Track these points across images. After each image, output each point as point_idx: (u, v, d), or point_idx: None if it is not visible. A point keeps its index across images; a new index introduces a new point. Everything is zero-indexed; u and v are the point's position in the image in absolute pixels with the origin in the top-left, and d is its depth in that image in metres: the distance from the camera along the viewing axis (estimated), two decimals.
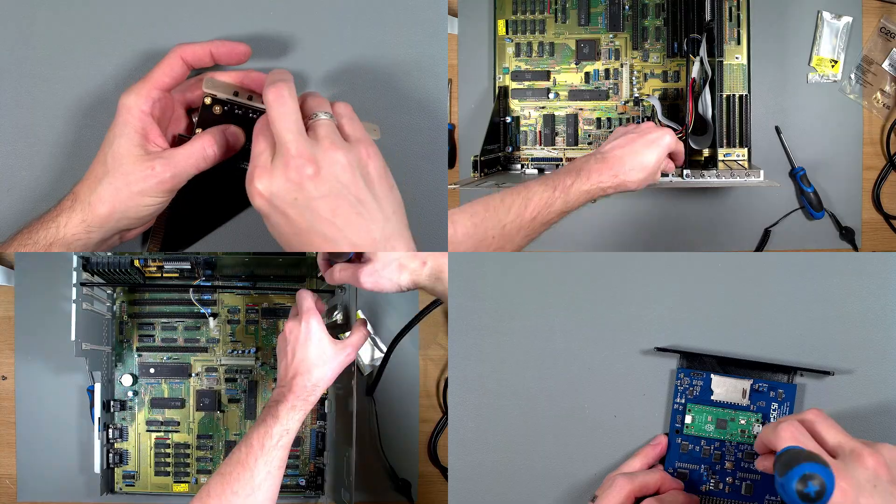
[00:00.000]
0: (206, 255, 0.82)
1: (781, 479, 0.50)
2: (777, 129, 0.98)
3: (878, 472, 0.52)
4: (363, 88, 0.75)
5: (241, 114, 0.68)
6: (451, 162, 1.02)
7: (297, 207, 0.58)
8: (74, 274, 0.81)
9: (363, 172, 0.60)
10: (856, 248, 1.01)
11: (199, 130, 0.67)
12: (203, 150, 0.65)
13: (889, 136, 1.00)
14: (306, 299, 0.77)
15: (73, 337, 0.79)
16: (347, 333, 0.78)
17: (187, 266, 0.89)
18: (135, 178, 0.63)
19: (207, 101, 0.67)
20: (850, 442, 0.55)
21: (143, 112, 0.65)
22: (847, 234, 1.01)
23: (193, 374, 0.95)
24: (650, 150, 0.79)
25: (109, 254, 0.82)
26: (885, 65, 0.99)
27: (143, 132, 0.65)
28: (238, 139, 0.67)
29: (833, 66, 0.99)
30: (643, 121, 0.86)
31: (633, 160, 0.78)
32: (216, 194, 0.71)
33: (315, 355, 0.75)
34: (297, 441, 0.95)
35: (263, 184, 0.59)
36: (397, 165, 0.75)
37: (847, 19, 0.99)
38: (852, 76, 1.00)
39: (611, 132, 0.92)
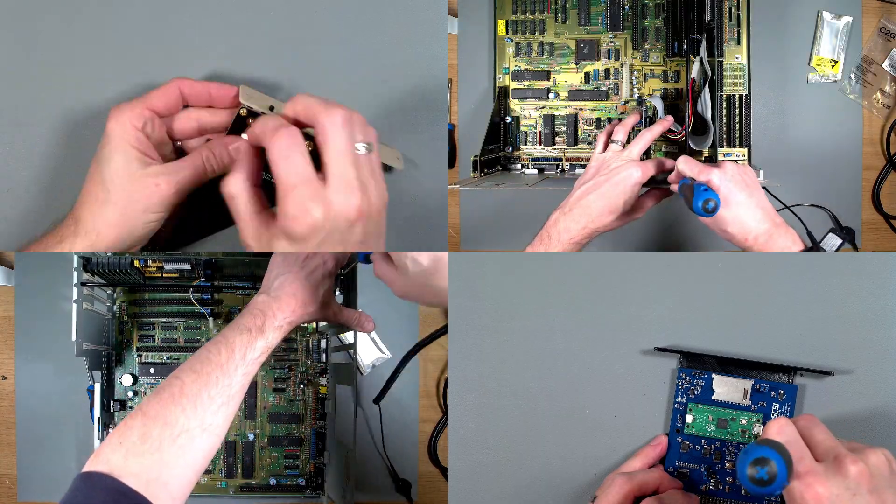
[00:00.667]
0: (206, 255, 0.82)
1: (738, 463, 0.51)
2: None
3: (859, 480, 0.52)
4: (363, 89, 0.75)
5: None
6: (451, 162, 1.02)
7: (338, 239, 0.58)
8: (75, 274, 0.81)
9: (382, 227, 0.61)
10: (856, 248, 1.01)
11: None
12: (203, 163, 0.64)
13: (889, 136, 1.00)
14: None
15: (73, 337, 0.79)
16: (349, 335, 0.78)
17: (187, 266, 0.89)
18: (139, 195, 0.62)
19: (243, 112, 0.66)
20: (836, 448, 0.54)
21: (135, 128, 0.64)
22: (847, 234, 1.01)
23: None
24: (617, 193, 0.79)
25: (109, 254, 0.82)
26: (885, 65, 0.99)
27: (138, 147, 0.63)
28: (240, 153, 0.67)
29: (833, 66, 0.99)
30: (604, 149, 0.84)
31: (599, 205, 0.79)
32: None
33: (314, 292, 0.73)
34: (297, 441, 0.95)
35: (320, 212, 0.56)
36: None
37: (847, 19, 0.99)
38: (852, 76, 1.00)
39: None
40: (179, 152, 0.69)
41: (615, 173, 0.80)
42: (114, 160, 0.63)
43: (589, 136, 1.02)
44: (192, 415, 0.62)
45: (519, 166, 1.03)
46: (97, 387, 0.88)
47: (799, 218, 0.92)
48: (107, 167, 0.63)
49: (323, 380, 0.95)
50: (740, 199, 0.75)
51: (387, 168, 0.73)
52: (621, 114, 1.02)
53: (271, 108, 0.67)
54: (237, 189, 0.60)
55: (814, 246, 0.75)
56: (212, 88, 0.67)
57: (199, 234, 0.74)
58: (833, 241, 0.75)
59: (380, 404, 0.95)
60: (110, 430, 0.91)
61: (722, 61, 0.96)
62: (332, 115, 0.58)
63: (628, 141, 0.85)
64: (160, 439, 0.60)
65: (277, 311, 0.71)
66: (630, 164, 0.80)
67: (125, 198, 0.62)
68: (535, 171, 1.02)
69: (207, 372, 0.65)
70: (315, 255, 0.74)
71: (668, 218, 1.03)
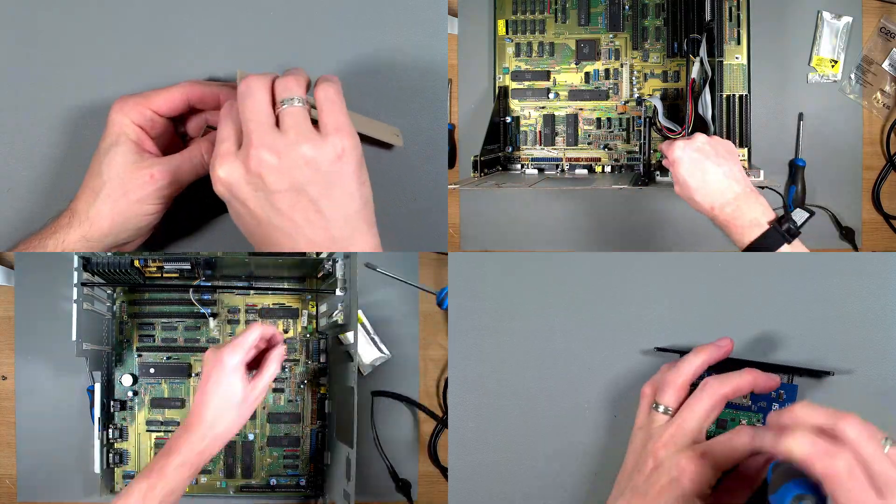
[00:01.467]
0: (207, 255, 0.82)
1: (773, 495, 0.50)
2: (800, 115, 0.97)
3: None
4: (363, 89, 0.75)
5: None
6: (451, 162, 1.02)
7: (257, 199, 0.57)
8: (75, 274, 0.81)
9: (330, 166, 0.58)
10: (856, 248, 1.01)
11: None
12: (201, 156, 0.65)
13: (889, 136, 1.00)
14: (248, 334, 0.73)
15: (73, 337, 0.79)
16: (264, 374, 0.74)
17: (187, 266, 0.88)
18: (133, 186, 0.62)
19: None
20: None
21: (134, 123, 0.64)
22: (847, 234, 1.01)
23: (193, 374, 0.95)
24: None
25: (109, 254, 0.82)
26: (885, 65, 1.00)
27: (137, 141, 0.64)
28: None
29: (833, 66, 0.99)
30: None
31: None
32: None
33: (220, 400, 0.70)
34: (297, 441, 0.95)
35: (225, 170, 0.57)
36: (397, 165, 0.75)
37: (847, 19, 0.99)
38: (852, 76, 1.00)
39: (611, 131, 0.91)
40: None
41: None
42: (111, 152, 0.63)
43: (589, 136, 1.02)
44: None
45: (519, 166, 1.03)
46: (97, 387, 0.88)
47: (779, 194, 0.92)
48: (104, 159, 0.63)
49: (323, 380, 0.95)
50: (707, 167, 0.75)
51: (386, 146, 0.73)
52: (621, 114, 1.02)
53: None
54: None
55: (785, 215, 0.75)
56: (220, 93, 0.67)
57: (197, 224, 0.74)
58: (801, 213, 0.75)
59: (376, 403, 0.95)
60: (110, 429, 0.91)
61: (722, 61, 0.96)
62: (241, 85, 0.58)
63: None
64: None
65: (182, 444, 0.70)
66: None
67: (119, 188, 0.63)
68: (535, 171, 1.02)
69: None
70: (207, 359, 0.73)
71: (668, 218, 1.03)
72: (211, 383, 0.70)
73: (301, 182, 0.57)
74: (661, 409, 0.60)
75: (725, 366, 0.63)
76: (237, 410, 0.71)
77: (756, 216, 0.74)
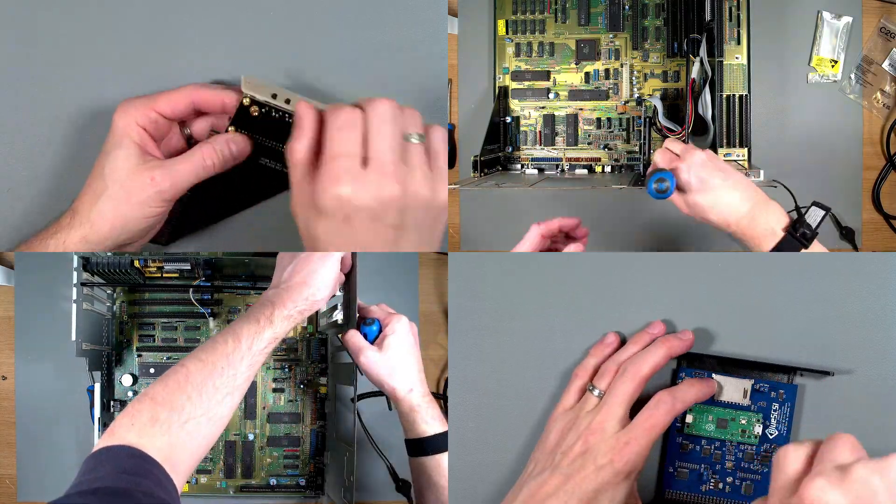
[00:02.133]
0: (206, 255, 0.82)
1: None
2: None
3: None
4: (363, 88, 0.75)
5: (279, 117, 0.67)
6: (451, 162, 1.02)
7: (368, 225, 0.58)
8: (75, 274, 0.81)
9: (436, 215, 0.61)
10: (856, 248, 1.01)
11: (231, 129, 0.67)
12: (202, 160, 0.65)
13: (889, 136, 1.00)
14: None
15: (73, 337, 0.79)
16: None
17: (187, 266, 0.89)
18: (134, 188, 0.63)
19: (246, 101, 0.66)
20: None
21: (138, 125, 0.64)
22: (847, 234, 1.01)
23: None
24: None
25: (109, 254, 0.82)
26: (885, 65, 1.00)
27: (140, 143, 0.64)
28: (243, 151, 0.67)
29: (833, 66, 0.99)
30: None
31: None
32: (230, 187, 0.71)
33: (326, 275, 0.72)
34: (297, 441, 0.95)
35: (350, 189, 0.57)
36: None
37: (847, 19, 0.99)
38: (852, 76, 1.00)
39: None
40: None
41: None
42: (113, 154, 0.63)
43: (589, 136, 1.02)
44: (197, 403, 0.62)
45: (519, 166, 1.03)
46: (97, 387, 0.88)
47: (788, 189, 0.91)
48: (107, 161, 0.64)
49: (323, 380, 0.95)
50: (715, 183, 0.75)
51: None
52: (621, 114, 1.02)
53: (274, 96, 0.66)
54: (299, 155, 0.59)
55: (799, 219, 0.74)
56: (225, 97, 0.67)
57: (203, 224, 0.74)
58: (816, 213, 0.74)
59: (377, 402, 0.95)
60: None
61: (722, 61, 0.96)
62: (378, 105, 0.59)
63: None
64: (169, 423, 0.60)
65: (287, 300, 0.69)
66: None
67: (121, 191, 0.63)
68: (535, 171, 1.02)
69: (213, 361, 0.64)
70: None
71: (668, 218, 1.03)
72: (319, 259, 0.71)
73: (412, 225, 0.60)
74: (597, 392, 0.62)
75: (729, 365, 0.63)
76: (332, 286, 0.73)
77: (771, 225, 0.74)
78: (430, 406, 0.76)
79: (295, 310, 0.70)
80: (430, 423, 0.76)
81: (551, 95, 1.02)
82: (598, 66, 1.02)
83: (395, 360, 0.75)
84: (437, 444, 0.75)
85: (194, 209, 0.72)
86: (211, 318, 0.96)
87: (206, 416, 0.62)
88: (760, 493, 0.66)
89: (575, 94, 1.02)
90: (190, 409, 0.61)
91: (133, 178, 0.63)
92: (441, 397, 0.96)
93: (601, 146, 1.02)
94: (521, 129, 1.03)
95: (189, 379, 0.62)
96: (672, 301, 0.69)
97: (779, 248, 0.74)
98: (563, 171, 1.02)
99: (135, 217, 0.64)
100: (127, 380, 0.94)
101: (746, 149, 0.97)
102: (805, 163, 1.00)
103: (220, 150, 0.65)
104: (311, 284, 0.71)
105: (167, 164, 0.64)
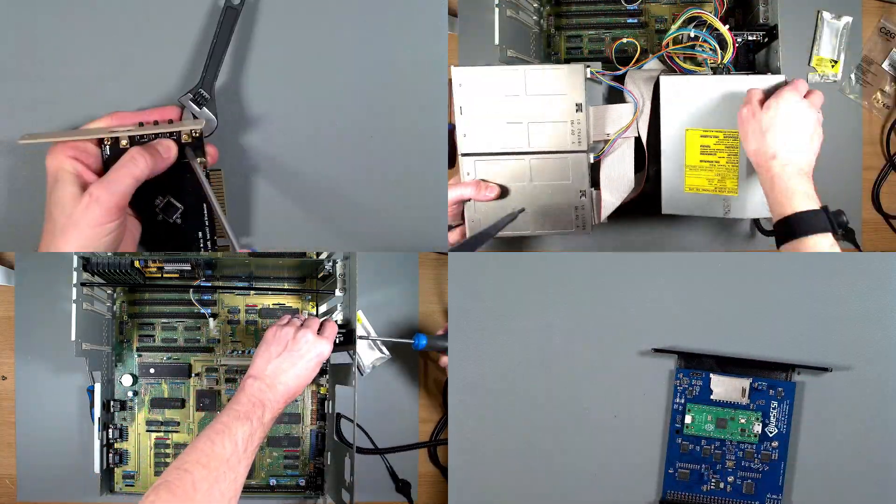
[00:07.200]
0: (207, 255, 0.82)
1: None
2: None
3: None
4: (363, 88, 0.75)
5: (150, 139, 0.67)
6: (451, 162, 1.02)
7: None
8: (75, 274, 0.81)
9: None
10: (857, 248, 1.01)
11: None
12: (132, 160, 0.64)
13: (889, 136, 1.00)
14: (334, 327, 0.77)
15: (73, 337, 0.79)
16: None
17: (187, 266, 0.89)
18: (78, 213, 0.62)
19: (109, 142, 0.66)
20: None
21: (69, 157, 0.64)
22: (847, 234, 1.01)
23: (193, 375, 0.95)
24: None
25: (110, 254, 0.82)
26: (885, 65, 1.00)
27: (76, 173, 0.64)
28: (170, 149, 0.67)
29: (833, 66, 0.99)
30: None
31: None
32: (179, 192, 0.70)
33: (310, 377, 0.75)
34: (297, 441, 0.95)
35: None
36: (397, 165, 0.75)
37: (847, 19, 0.99)
38: (852, 76, 1.00)
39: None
40: None
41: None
42: (55, 191, 0.63)
43: None
44: None
45: None
46: (97, 387, 0.88)
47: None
48: (51, 200, 0.63)
49: (323, 380, 0.95)
50: (808, 123, 0.75)
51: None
52: None
53: (140, 124, 0.67)
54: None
55: (839, 210, 0.70)
56: (143, 117, 0.68)
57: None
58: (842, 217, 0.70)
59: (376, 402, 0.95)
60: (110, 429, 0.91)
61: None
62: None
63: None
64: None
65: (276, 401, 0.72)
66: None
67: (69, 221, 0.62)
68: None
69: (215, 467, 0.65)
70: (304, 334, 0.75)
71: (667, 219, 1.03)
72: (311, 361, 0.75)
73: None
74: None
75: (727, 364, 0.63)
76: (307, 383, 0.76)
77: (811, 192, 0.71)
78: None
79: (280, 410, 0.73)
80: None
81: None
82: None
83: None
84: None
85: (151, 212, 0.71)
86: (211, 318, 0.96)
87: None
88: (761, 493, 0.66)
89: None
90: None
91: (76, 204, 0.62)
92: (441, 397, 0.96)
93: None
94: None
95: (196, 487, 0.63)
96: (672, 301, 0.69)
97: (809, 215, 0.69)
98: None
99: (96, 240, 0.63)
100: (127, 380, 0.94)
101: None
102: None
103: (147, 149, 0.65)
104: (298, 390, 0.74)
105: (102, 179, 0.64)
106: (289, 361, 0.73)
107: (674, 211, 0.82)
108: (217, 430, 0.68)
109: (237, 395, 0.72)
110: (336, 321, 0.80)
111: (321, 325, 0.77)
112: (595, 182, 0.82)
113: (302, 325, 0.76)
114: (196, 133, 0.68)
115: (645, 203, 1.03)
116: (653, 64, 0.86)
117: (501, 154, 0.81)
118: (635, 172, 0.83)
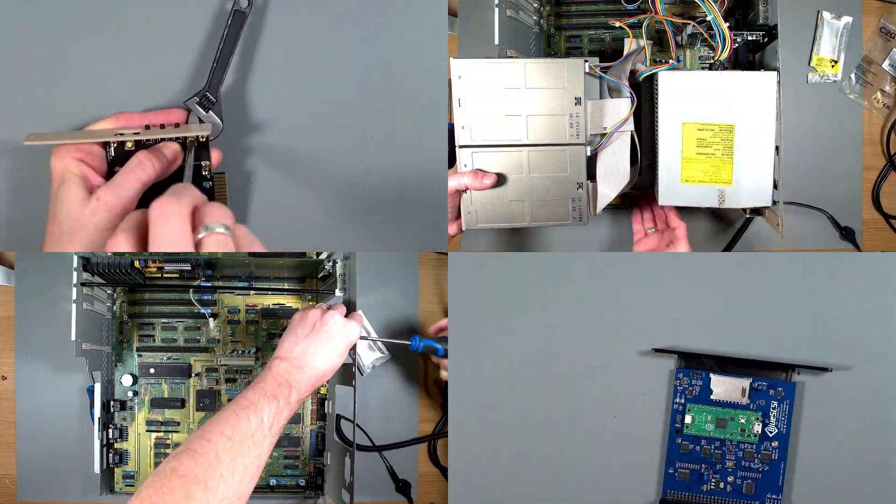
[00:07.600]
0: (207, 255, 0.82)
1: None
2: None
3: None
4: (364, 88, 0.75)
5: (154, 143, 0.67)
6: (451, 162, 1.02)
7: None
8: (75, 274, 0.81)
9: None
10: (857, 248, 1.01)
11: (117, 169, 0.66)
12: (139, 163, 0.64)
13: (889, 136, 1.00)
14: (363, 318, 0.77)
15: (73, 337, 0.79)
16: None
17: (187, 266, 0.89)
18: (85, 216, 0.62)
19: (115, 144, 0.66)
20: None
21: (75, 159, 0.64)
22: (847, 234, 1.01)
23: (193, 375, 0.95)
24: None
25: (110, 254, 0.82)
26: (885, 65, 1.00)
27: (82, 175, 0.64)
28: (176, 152, 0.67)
29: (833, 66, 0.99)
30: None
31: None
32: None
33: (339, 361, 0.73)
34: (297, 441, 0.95)
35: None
36: (397, 165, 0.75)
37: (847, 19, 0.99)
38: (852, 76, 1.00)
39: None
40: None
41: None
42: (61, 193, 0.63)
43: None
44: (230, 483, 0.61)
45: None
46: (97, 387, 0.88)
47: (825, 213, 0.91)
48: (57, 202, 0.63)
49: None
50: None
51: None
52: None
53: (147, 127, 0.67)
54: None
55: None
56: (149, 119, 0.68)
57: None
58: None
59: (376, 401, 0.95)
60: (110, 429, 0.91)
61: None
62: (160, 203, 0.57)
63: None
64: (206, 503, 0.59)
65: (303, 383, 0.70)
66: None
67: (76, 224, 0.62)
68: None
69: (239, 440, 0.64)
70: (331, 315, 0.74)
71: None
72: (341, 346, 0.73)
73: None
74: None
75: (727, 364, 0.63)
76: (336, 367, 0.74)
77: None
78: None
79: (307, 393, 0.71)
80: None
81: None
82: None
83: None
84: None
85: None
86: (211, 319, 0.96)
87: (237, 496, 0.62)
88: (761, 493, 0.66)
89: None
90: (224, 489, 0.60)
91: (83, 207, 0.62)
92: (441, 397, 0.96)
93: None
94: None
95: (220, 457, 0.61)
96: (671, 301, 0.69)
97: None
98: None
99: (97, 243, 0.63)
100: (127, 380, 0.94)
101: None
102: (805, 163, 1.00)
103: (153, 152, 0.65)
104: (327, 373, 0.72)
105: (109, 182, 0.64)
106: (316, 343, 0.72)
107: (670, 202, 0.82)
108: (242, 405, 0.66)
109: (263, 375, 0.70)
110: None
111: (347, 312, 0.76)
112: (592, 175, 0.82)
113: (329, 308, 0.75)
114: (203, 138, 0.68)
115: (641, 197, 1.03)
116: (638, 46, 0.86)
117: (499, 146, 0.81)
118: (630, 165, 0.83)
